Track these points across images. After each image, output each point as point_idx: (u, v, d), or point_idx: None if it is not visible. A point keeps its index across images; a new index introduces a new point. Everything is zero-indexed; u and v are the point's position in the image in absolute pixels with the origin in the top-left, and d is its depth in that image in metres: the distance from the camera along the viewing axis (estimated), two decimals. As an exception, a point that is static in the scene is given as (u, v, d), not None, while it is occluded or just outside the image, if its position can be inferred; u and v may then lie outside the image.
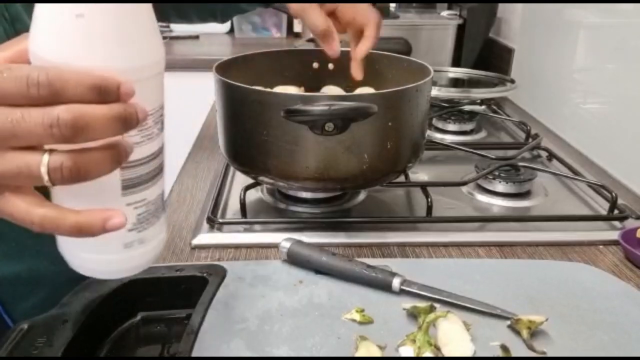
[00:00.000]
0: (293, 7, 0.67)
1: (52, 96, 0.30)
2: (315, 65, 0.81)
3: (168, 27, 2.07)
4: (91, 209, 0.33)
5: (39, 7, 0.31)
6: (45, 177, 0.31)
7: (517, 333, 0.48)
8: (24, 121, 0.30)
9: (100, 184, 0.33)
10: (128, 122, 0.31)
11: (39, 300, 0.61)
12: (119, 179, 0.35)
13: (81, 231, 0.33)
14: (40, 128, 0.29)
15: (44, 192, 0.34)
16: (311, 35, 1.28)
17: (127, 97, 0.31)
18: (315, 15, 0.65)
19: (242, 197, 0.70)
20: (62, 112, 0.29)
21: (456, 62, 1.39)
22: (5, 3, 0.56)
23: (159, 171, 0.38)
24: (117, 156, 0.32)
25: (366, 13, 0.68)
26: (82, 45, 0.30)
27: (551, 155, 0.92)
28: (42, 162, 0.31)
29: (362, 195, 0.77)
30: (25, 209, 0.33)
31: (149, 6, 0.33)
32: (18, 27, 0.57)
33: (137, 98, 0.32)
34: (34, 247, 0.61)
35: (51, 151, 0.31)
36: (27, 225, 0.33)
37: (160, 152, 0.37)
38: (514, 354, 0.46)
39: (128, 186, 0.35)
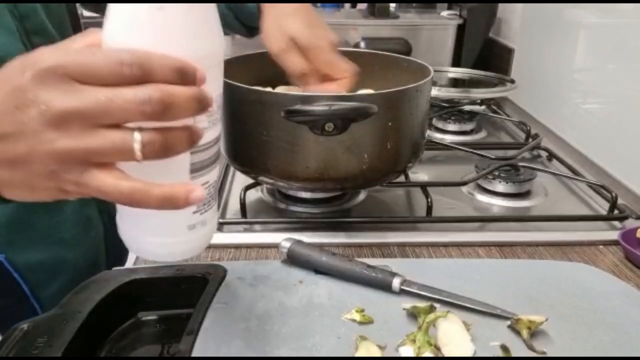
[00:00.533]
0: (273, 50, 0.67)
1: (141, 76, 0.32)
2: (315, 65, 0.81)
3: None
4: (171, 183, 0.35)
5: (116, 3, 0.34)
6: (139, 152, 0.33)
7: (517, 333, 0.48)
8: (118, 98, 0.31)
9: (171, 166, 0.36)
10: (204, 103, 0.34)
11: (62, 285, 0.64)
12: (188, 162, 0.37)
13: (168, 202, 0.34)
14: (132, 105, 0.31)
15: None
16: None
17: (201, 82, 0.34)
18: (295, 58, 0.65)
19: (242, 197, 0.70)
20: (152, 90, 0.31)
21: (456, 62, 1.39)
22: (16, 2, 0.57)
23: (218, 155, 0.40)
24: (193, 136, 0.34)
25: (342, 70, 0.66)
26: (161, 35, 0.33)
27: (551, 155, 0.92)
28: (135, 139, 0.32)
29: (362, 195, 0.77)
30: (113, 182, 0.34)
31: (213, 3, 0.36)
32: (27, 24, 0.57)
33: (206, 84, 0.34)
34: (57, 234, 0.64)
35: (141, 129, 0.33)
36: (115, 199, 0.34)
37: (220, 137, 0.40)
38: (514, 354, 0.46)
39: (196, 169, 0.37)
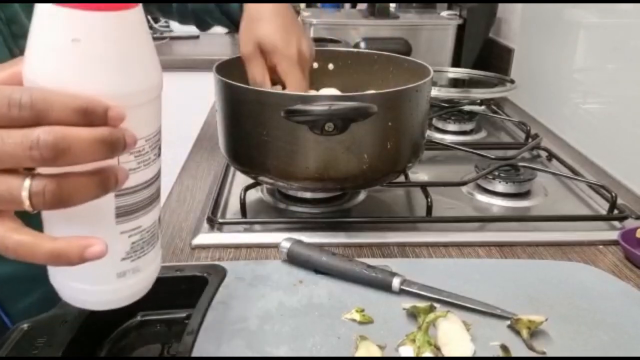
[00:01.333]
0: (241, 53, 0.69)
1: (34, 118, 0.29)
2: (315, 65, 0.81)
3: (168, 27, 2.08)
4: (69, 236, 0.32)
5: (34, 30, 0.30)
6: (27, 202, 0.30)
7: (517, 333, 0.48)
8: (3, 142, 0.29)
9: (93, 211, 0.32)
10: (114, 145, 0.30)
11: (35, 299, 0.61)
12: (113, 206, 0.33)
13: (58, 259, 0.32)
14: (20, 149, 0.28)
15: (30, 216, 0.33)
16: (311, 36, 1.28)
17: (115, 121, 0.30)
18: (255, 67, 0.68)
19: (242, 197, 0.70)
20: (42, 133, 0.28)
21: (456, 62, 1.39)
22: (2, 3, 0.56)
23: (155, 197, 0.36)
24: (106, 181, 0.31)
25: (295, 83, 0.68)
26: (76, 71, 0.30)
27: (551, 155, 0.92)
28: (24, 186, 0.30)
29: (362, 195, 0.77)
30: (1, 234, 0.31)
31: (146, 30, 0.33)
32: (14, 28, 0.57)
33: (132, 123, 0.31)
34: None
35: (33, 175, 0.30)
36: (2, 252, 0.32)
37: (157, 177, 0.36)
38: (514, 354, 0.46)
39: (122, 213, 0.34)
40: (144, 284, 0.39)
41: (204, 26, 0.88)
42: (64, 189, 0.30)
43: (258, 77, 0.68)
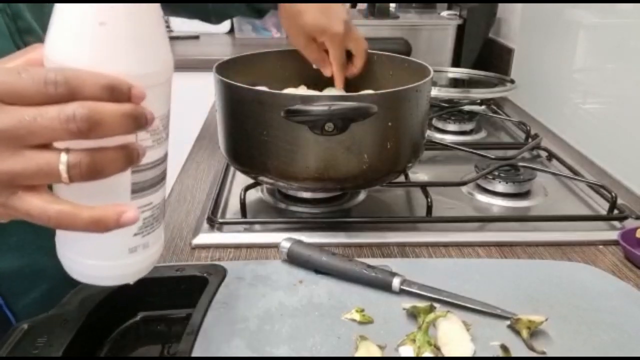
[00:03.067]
0: (297, 47, 0.76)
1: (68, 94, 0.31)
2: (315, 65, 0.81)
3: (168, 26, 2.08)
4: (104, 205, 0.34)
5: (59, 12, 0.32)
6: (65, 174, 0.32)
7: (517, 333, 0.48)
8: (42, 118, 0.31)
9: (111, 187, 0.35)
10: (138, 120, 0.32)
11: (39, 295, 0.62)
12: (129, 183, 0.36)
13: (97, 225, 0.34)
14: (57, 123, 0.31)
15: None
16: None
17: (137, 99, 0.32)
18: (311, 53, 0.76)
19: (242, 197, 0.70)
20: (77, 107, 0.31)
21: (456, 62, 1.39)
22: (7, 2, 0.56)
23: (164, 176, 0.38)
24: (130, 156, 0.33)
25: (355, 43, 0.77)
26: (101, 52, 0.32)
27: (551, 155, 0.92)
28: (61, 160, 0.32)
29: (362, 195, 0.77)
30: (41, 205, 0.33)
31: (161, 15, 0.35)
32: (20, 24, 0.57)
33: (148, 102, 0.33)
34: (35, 241, 0.62)
35: (68, 150, 0.32)
36: (43, 222, 0.34)
37: (166, 157, 0.38)
38: (514, 354, 0.46)
39: (137, 190, 0.36)
40: (151, 260, 0.41)
41: (220, 15, 0.90)
42: (97, 161, 0.32)
43: (317, 62, 0.77)
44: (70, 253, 0.38)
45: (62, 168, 0.32)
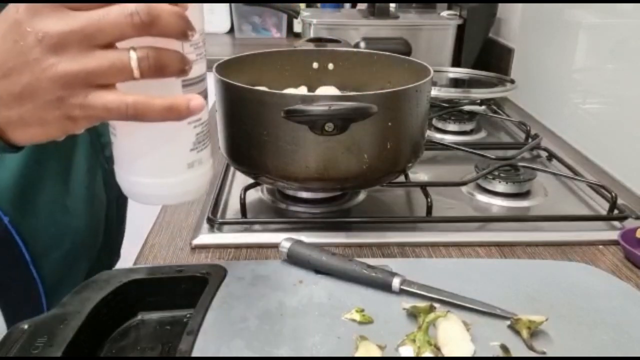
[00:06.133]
0: None
1: None
2: (315, 65, 0.81)
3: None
4: (174, 95, 0.37)
5: None
6: (136, 70, 0.35)
7: (517, 333, 0.48)
8: (107, 15, 0.34)
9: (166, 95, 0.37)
10: (187, 22, 0.36)
11: (62, 254, 0.65)
12: (181, 93, 0.38)
13: (170, 110, 0.37)
14: (122, 18, 0.34)
15: None
16: (311, 36, 1.28)
17: (183, 7, 0.36)
18: None
19: (242, 197, 0.70)
20: (137, 4, 0.34)
21: (456, 62, 1.39)
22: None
23: (207, 93, 0.42)
24: (184, 59, 0.37)
25: None
26: None
27: (551, 155, 0.92)
28: (131, 56, 0.35)
29: (362, 195, 0.77)
30: (117, 97, 0.36)
31: None
32: None
33: (190, 15, 0.36)
34: (62, 202, 0.63)
35: (134, 48, 0.35)
36: (121, 114, 0.36)
37: (206, 75, 0.42)
38: (514, 354, 0.46)
39: None
40: (208, 177, 0.43)
41: None
42: (162, 57, 0.36)
43: None
44: (131, 175, 0.40)
45: (134, 63, 0.35)
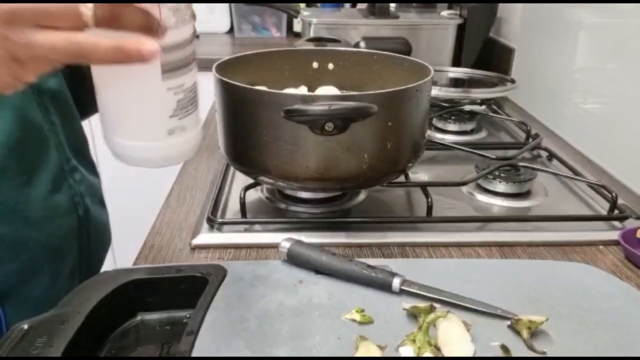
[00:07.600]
0: None
1: None
2: (315, 65, 0.81)
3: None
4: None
5: None
6: (89, 12, 0.34)
7: (517, 333, 0.48)
8: None
9: (141, 68, 0.36)
10: None
11: (20, 265, 0.61)
12: (158, 63, 0.37)
13: (117, 51, 0.35)
14: None
15: None
16: (311, 35, 1.28)
17: None
18: None
19: (242, 197, 0.70)
20: None
21: (456, 62, 1.39)
22: None
23: (192, 59, 0.40)
24: (149, 16, 0.35)
25: None
26: None
27: (551, 155, 0.92)
28: (87, 5, 0.34)
29: (362, 195, 0.77)
30: (64, 36, 0.35)
31: None
32: None
33: None
34: (22, 212, 0.61)
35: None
36: (67, 52, 0.35)
37: (192, 39, 0.40)
38: (514, 354, 0.46)
39: (167, 70, 0.38)
40: (192, 144, 0.43)
41: None
42: (120, 8, 0.34)
43: None
44: (116, 137, 0.41)
45: (87, 9, 0.34)
